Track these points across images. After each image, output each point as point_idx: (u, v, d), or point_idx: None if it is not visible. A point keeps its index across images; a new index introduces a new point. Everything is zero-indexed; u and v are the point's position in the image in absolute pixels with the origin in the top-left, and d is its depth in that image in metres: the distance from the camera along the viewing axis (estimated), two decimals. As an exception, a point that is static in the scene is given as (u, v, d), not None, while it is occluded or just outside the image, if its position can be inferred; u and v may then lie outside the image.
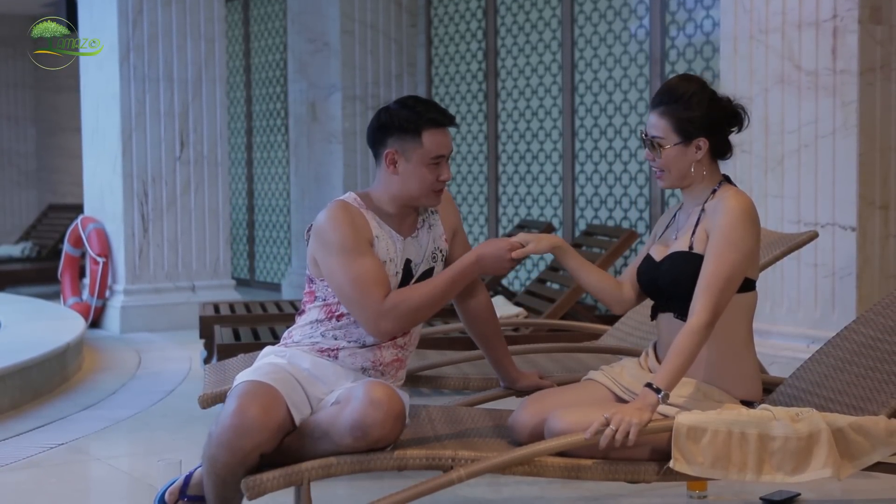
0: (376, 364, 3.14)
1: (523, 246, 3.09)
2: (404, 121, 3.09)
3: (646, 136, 3.11)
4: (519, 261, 3.11)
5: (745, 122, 3.15)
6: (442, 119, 3.11)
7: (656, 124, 3.09)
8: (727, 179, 3.15)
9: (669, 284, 3.07)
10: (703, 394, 3.02)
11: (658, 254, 3.16)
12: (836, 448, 2.85)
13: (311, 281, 3.17)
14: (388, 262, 3.11)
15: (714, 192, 3.09)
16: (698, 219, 3.07)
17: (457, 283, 3.09)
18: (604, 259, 6.65)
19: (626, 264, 7.22)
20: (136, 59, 8.04)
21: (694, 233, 3.06)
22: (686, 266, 3.03)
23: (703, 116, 3.06)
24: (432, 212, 3.26)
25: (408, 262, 3.15)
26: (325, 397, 3.07)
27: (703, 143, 3.07)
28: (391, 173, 3.13)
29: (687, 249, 3.05)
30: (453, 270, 3.09)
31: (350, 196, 3.17)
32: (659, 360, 3.14)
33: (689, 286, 3.00)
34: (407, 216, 3.19)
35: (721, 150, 3.12)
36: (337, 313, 3.12)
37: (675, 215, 3.22)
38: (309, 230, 3.16)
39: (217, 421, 2.90)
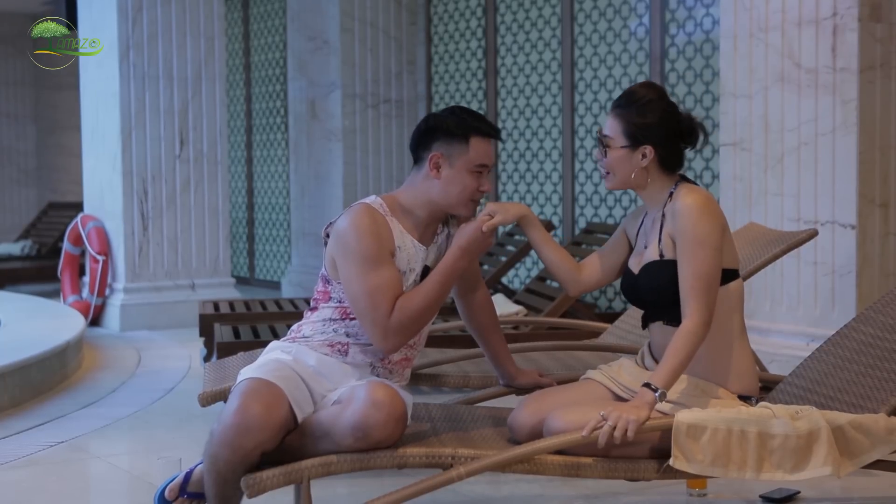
0: (385, 363, 3.14)
1: (493, 217, 3.11)
2: (453, 126, 3.10)
3: (599, 133, 3.13)
4: (493, 232, 3.12)
5: (701, 141, 3.13)
6: (490, 130, 3.13)
7: (610, 125, 3.11)
8: (683, 178, 3.13)
9: (651, 294, 3.08)
10: (702, 390, 3.02)
11: (635, 265, 3.17)
12: (836, 446, 2.85)
13: (328, 281, 3.15)
14: (409, 272, 3.10)
15: (671, 194, 3.08)
16: (661, 225, 3.07)
17: (449, 281, 3.09)
18: (603, 257, 6.63)
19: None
20: (136, 57, 8.04)
21: (660, 240, 3.06)
22: (662, 274, 3.03)
23: (653, 125, 3.05)
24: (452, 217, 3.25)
25: (426, 269, 3.15)
26: (328, 394, 3.07)
27: (648, 151, 3.06)
28: (433, 177, 3.11)
29: (658, 258, 3.06)
30: (442, 269, 3.08)
31: (375, 201, 3.14)
32: (655, 359, 3.15)
33: (669, 293, 3.01)
34: (432, 224, 3.18)
35: (669, 162, 3.10)
36: (351, 315, 3.12)
37: (642, 221, 3.22)
38: (327, 228, 3.15)
39: (219, 419, 2.89)
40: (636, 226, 3.23)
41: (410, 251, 3.11)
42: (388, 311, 3.01)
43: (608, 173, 3.12)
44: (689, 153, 3.21)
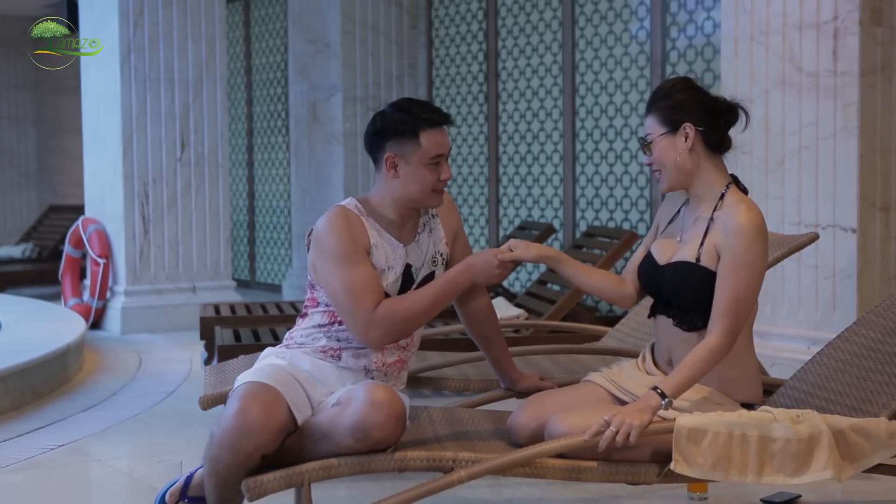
0: (379, 365, 3.14)
1: (512, 251, 3.09)
2: (400, 123, 3.10)
3: (640, 139, 3.11)
4: (509, 269, 3.10)
5: (743, 119, 3.10)
6: (438, 118, 3.11)
7: (647, 124, 3.09)
8: (735, 181, 3.10)
9: (673, 293, 3.04)
10: (704, 397, 3.02)
11: (661, 254, 3.12)
12: (837, 450, 2.85)
13: (313, 287, 3.17)
14: (388, 270, 3.10)
15: (722, 196, 3.04)
16: (707, 228, 3.02)
17: (446, 294, 3.09)
18: (604, 261, 6.65)
19: (626, 266, 7.21)
20: (137, 60, 8.04)
21: (702, 244, 3.01)
22: (692, 278, 3.00)
23: (685, 101, 3.02)
24: (433, 215, 3.25)
25: (408, 266, 3.15)
26: (324, 399, 3.07)
27: (689, 128, 3.01)
28: (392, 177, 3.13)
29: (693, 261, 3.02)
30: (443, 280, 3.09)
31: (351, 202, 3.17)
32: (656, 363, 3.14)
33: (692, 298, 2.99)
34: (408, 220, 3.18)
35: (714, 140, 3.05)
36: (339, 318, 3.12)
37: (679, 210, 3.19)
38: (309, 235, 3.16)
39: (219, 422, 2.90)
40: (670, 213, 3.20)
41: (387, 249, 3.11)
42: (370, 304, 3.01)
43: (658, 172, 3.07)
44: None
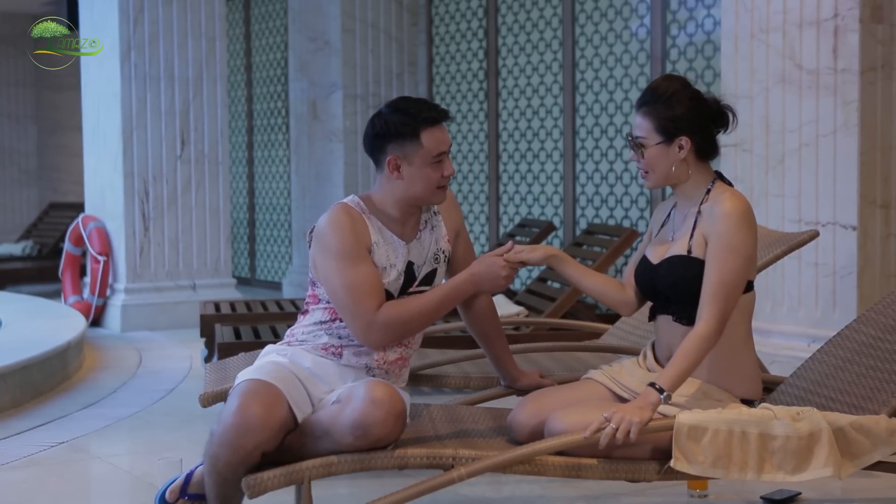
0: (380, 363, 3.14)
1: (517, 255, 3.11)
2: (400, 125, 3.09)
3: (630, 136, 3.11)
4: (513, 276, 3.11)
5: (732, 123, 3.13)
6: (437, 116, 3.11)
7: (640, 124, 3.09)
8: (720, 176, 3.13)
9: (668, 288, 3.06)
10: (704, 393, 3.02)
11: (655, 255, 3.15)
12: (837, 447, 2.85)
13: (314, 284, 3.16)
14: (389, 268, 3.10)
15: (708, 191, 3.08)
16: (695, 221, 3.05)
17: (449, 300, 3.10)
18: (604, 258, 6.65)
19: (626, 263, 7.21)
20: (137, 57, 8.04)
21: (692, 236, 3.04)
22: (685, 270, 3.02)
23: (685, 114, 3.04)
24: (435, 212, 3.25)
25: (410, 264, 3.15)
26: (325, 396, 3.07)
27: (685, 141, 3.04)
28: (396, 178, 3.12)
29: (685, 253, 3.04)
30: (447, 287, 3.10)
31: (353, 199, 3.16)
32: (657, 360, 3.15)
33: (687, 290, 3.00)
34: (410, 218, 3.18)
35: (706, 150, 3.09)
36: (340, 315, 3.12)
37: (669, 213, 3.21)
38: (311, 232, 3.16)
39: (219, 419, 2.90)
40: (661, 218, 3.22)
41: (388, 247, 3.11)
42: (371, 305, 3.01)
43: (647, 172, 3.09)
44: None
